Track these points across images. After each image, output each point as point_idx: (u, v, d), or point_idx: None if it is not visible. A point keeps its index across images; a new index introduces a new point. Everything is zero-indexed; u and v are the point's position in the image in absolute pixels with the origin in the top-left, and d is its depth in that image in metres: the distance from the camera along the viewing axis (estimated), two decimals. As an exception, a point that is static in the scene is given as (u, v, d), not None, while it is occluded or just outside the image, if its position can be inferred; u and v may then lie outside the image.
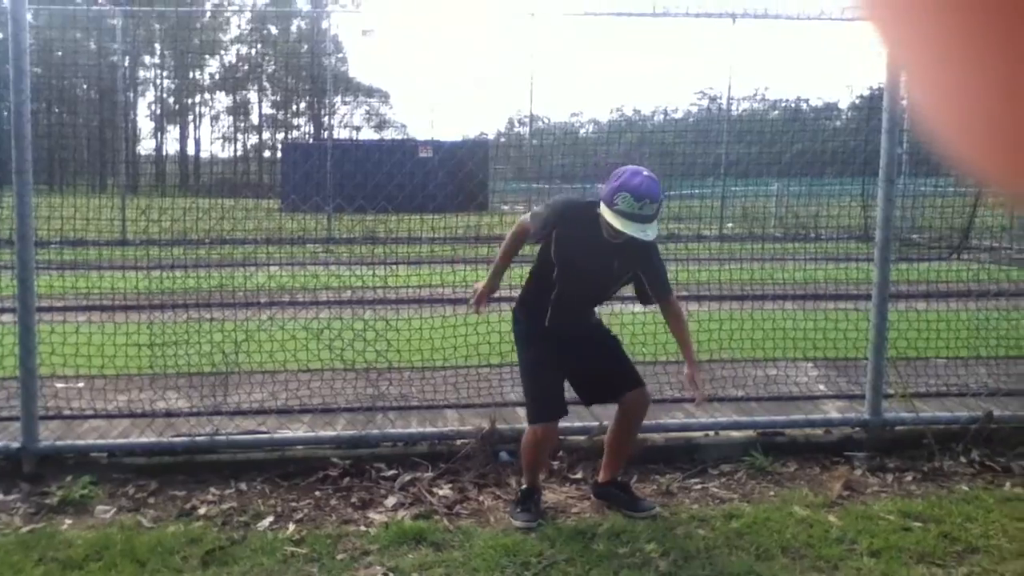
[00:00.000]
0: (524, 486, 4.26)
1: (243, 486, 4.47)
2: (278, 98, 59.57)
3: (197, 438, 4.75)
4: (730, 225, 14.81)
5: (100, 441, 4.82)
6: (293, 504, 4.27)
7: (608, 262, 3.95)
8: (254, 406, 5.46)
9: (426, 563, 3.64)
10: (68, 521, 4.08)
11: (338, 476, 4.56)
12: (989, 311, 6.83)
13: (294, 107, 59.73)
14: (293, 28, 55.59)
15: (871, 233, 5.38)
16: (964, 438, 4.93)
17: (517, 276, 6.61)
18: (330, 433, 4.96)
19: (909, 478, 4.66)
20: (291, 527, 4.00)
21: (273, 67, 57.49)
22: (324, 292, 8.44)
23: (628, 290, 4.29)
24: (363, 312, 6.92)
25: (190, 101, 58.97)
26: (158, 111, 56.68)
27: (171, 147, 56.67)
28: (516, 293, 5.73)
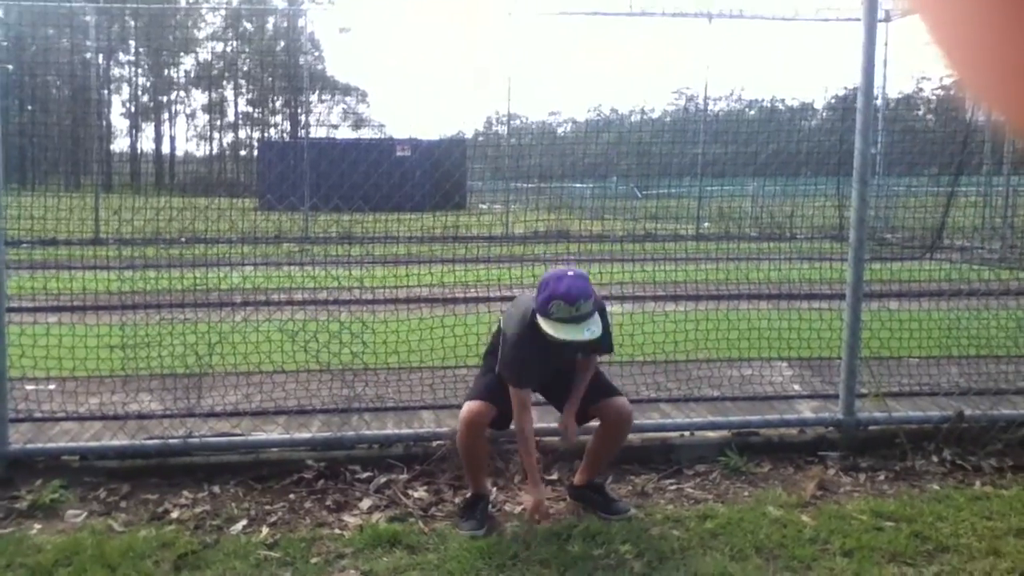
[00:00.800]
0: (468, 493, 4.17)
1: (216, 489, 4.43)
2: (254, 96, 59.16)
3: (170, 441, 4.71)
4: (706, 225, 14.89)
5: (72, 444, 4.77)
6: (267, 507, 4.24)
7: (571, 354, 4.03)
8: (228, 408, 5.42)
9: (401, 566, 3.63)
10: (38, 526, 4.03)
11: (313, 478, 4.53)
12: (961, 311, 6.91)
13: (271, 105, 59.36)
14: (269, 25, 55.31)
15: (845, 233, 5.41)
16: (936, 437, 4.98)
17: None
18: (305, 435, 4.93)
19: (882, 477, 4.70)
20: (265, 530, 3.98)
21: (249, 65, 57.09)
22: (299, 292, 8.40)
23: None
24: (339, 313, 6.89)
25: (165, 99, 58.48)
26: (132, 109, 56.18)
27: (146, 146, 56.17)
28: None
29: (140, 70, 56.63)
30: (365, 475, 4.59)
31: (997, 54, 0.40)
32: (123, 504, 4.28)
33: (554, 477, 4.66)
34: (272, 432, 5.01)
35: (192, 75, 57.70)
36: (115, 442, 4.76)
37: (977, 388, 5.71)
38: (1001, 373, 6.06)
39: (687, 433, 5.12)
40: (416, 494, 4.41)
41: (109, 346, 5.90)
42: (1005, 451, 4.91)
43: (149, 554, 3.69)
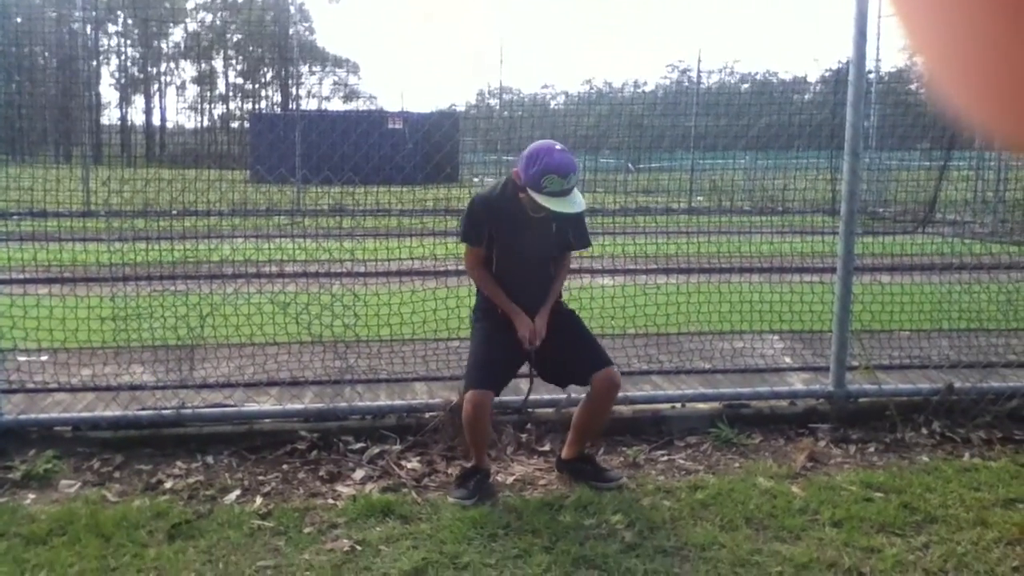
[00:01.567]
0: (470, 464, 4.19)
1: (210, 460, 4.44)
2: (244, 67, 58.68)
3: (163, 411, 4.72)
4: (699, 198, 14.88)
5: (64, 415, 4.77)
6: (260, 477, 4.26)
7: (546, 234, 4.05)
8: (221, 379, 5.42)
9: (393, 536, 3.65)
10: (32, 496, 4.04)
11: (306, 449, 4.55)
12: (951, 284, 6.93)
13: (261, 77, 58.89)
14: (259, -4, 54.67)
15: (838, 206, 5.42)
16: (925, 410, 5.01)
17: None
18: (298, 406, 4.94)
19: (871, 449, 4.73)
20: (258, 500, 3.99)
21: (239, 36, 56.54)
22: (291, 265, 8.38)
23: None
24: (331, 285, 6.88)
25: (155, 70, 57.95)
26: (122, 80, 55.65)
27: (137, 118, 55.71)
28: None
29: (129, 41, 56.05)
30: (358, 446, 4.61)
31: (972, 60, 0.41)
32: (116, 474, 4.29)
33: (546, 448, 4.68)
34: (265, 403, 5.02)
35: (181, 47, 57.18)
36: (108, 413, 4.75)
37: (967, 361, 5.74)
38: (991, 346, 6.10)
39: (678, 405, 5.14)
40: (409, 465, 4.43)
41: (100, 318, 5.89)
42: (994, 423, 4.95)
43: (143, 524, 3.70)
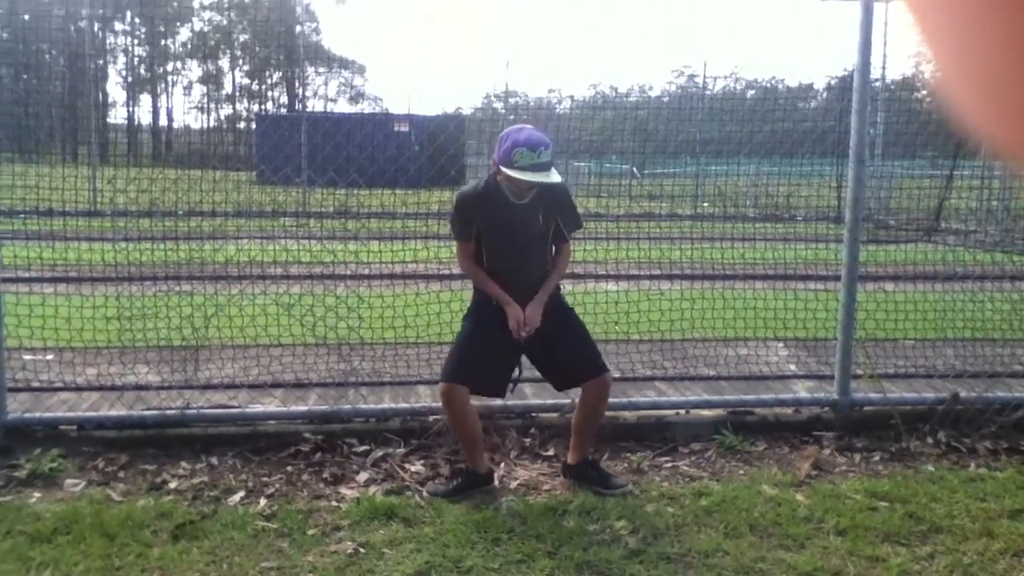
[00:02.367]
0: (467, 467, 4.18)
1: (214, 460, 4.45)
2: (251, 68, 58.77)
3: (168, 412, 4.72)
4: (704, 204, 14.87)
5: (70, 414, 4.77)
6: (264, 479, 4.26)
7: (533, 219, 4.05)
8: (225, 380, 5.42)
9: (397, 539, 3.65)
10: (37, 494, 4.04)
11: (310, 451, 4.55)
12: (956, 293, 6.93)
13: (268, 78, 58.97)
14: (265, -4, 54.75)
15: (843, 214, 5.42)
16: (931, 419, 5.00)
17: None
18: (302, 408, 4.94)
19: (876, 458, 4.73)
20: (262, 502, 3.99)
21: (245, 36, 56.63)
22: (296, 266, 8.39)
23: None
24: (335, 287, 6.89)
25: (161, 70, 58.04)
26: (129, 79, 55.73)
27: (144, 118, 55.77)
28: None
29: (136, 40, 56.13)
30: (362, 448, 4.61)
31: (982, 58, 0.41)
32: (121, 474, 4.29)
33: (550, 453, 4.68)
34: (269, 405, 5.02)
35: (188, 46, 57.30)
36: (113, 412, 4.76)
37: (972, 371, 5.73)
38: (996, 356, 6.09)
39: (682, 411, 5.14)
40: (413, 468, 4.43)
41: (106, 317, 5.90)
42: (999, 433, 4.94)
43: (147, 523, 3.70)
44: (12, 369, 5.02)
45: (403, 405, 5.01)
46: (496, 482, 4.26)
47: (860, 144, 5.02)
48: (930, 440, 4.90)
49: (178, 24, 51.99)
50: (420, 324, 6.08)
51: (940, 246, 10.57)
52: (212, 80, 58.73)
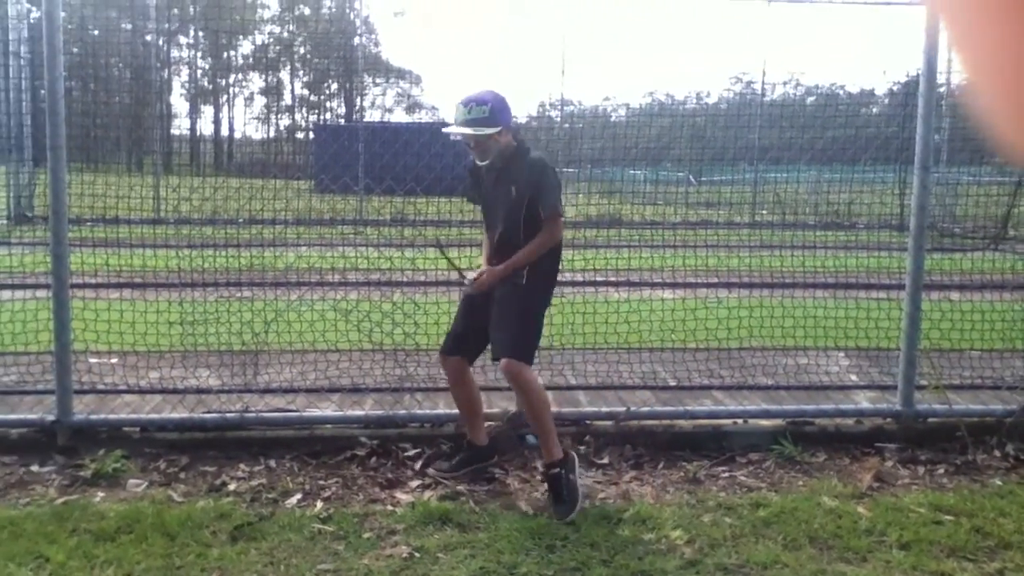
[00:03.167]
0: (468, 441, 4.48)
1: (272, 463, 4.51)
2: (310, 79, 59.70)
3: (227, 415, 4.80)
4: (763, 212, 14.67)
5: (133, 416, 4.88)
6: (321, 482, 4.30)
7: (505, 191, 4.18)
8: (283, 384, 5.50)
9: (451, 544, 3.66)
10: (101, 494, 4.14)
11: (366, 455, 4.59)
12: (1026, 303, 6.72)
13: (326, 89, 59.84)
14: (325, 9, 55.67)
15: (906, 222, 5.29)
16: (998, 431, 4.86)
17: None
18: (358, 412, 4.98)
19: (941, 471, 4.60)
20: (319, 505, 4.03)
21: (305, 48, 57.58)
22: (354, 272, 8.47)
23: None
24: (392, 293, 6.94)
25: (224, 82, 59.27)
26: (192, 91, 57.01)
27: (206, 128, 56.98)
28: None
29: (199, 53, 57.43)
30: (413, 452, 4.63)
31: (1009, 60, 0.40)
32: (182, 475, 4.38)
33: (604, 461, 4.65)
34: (326, 409, 5.07)
35: (250, 59, 58.43)
36: (174, 415, 4.86)
37: (1042, 382, 5.55)
38: (1067, 367, 5.89)
39: (740, 421, 5.06)
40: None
41: (168, 322, 6.03)
42: (1071, 447, 4.77)
43: (207, 524, 3.77)
44: (78, 372, 5.15)
45: (457, 411, 5.01)
46: (496, 458, 4.48)
47: (925, 150, 4.91)
48: (998, 453, 4.76)
49: (240, 37, 53.05)
50: (475, 331, 6.09)
51: (1008, 254, 10.27)
52: (272, 91, 59.79)
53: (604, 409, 4.88)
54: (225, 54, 56.92)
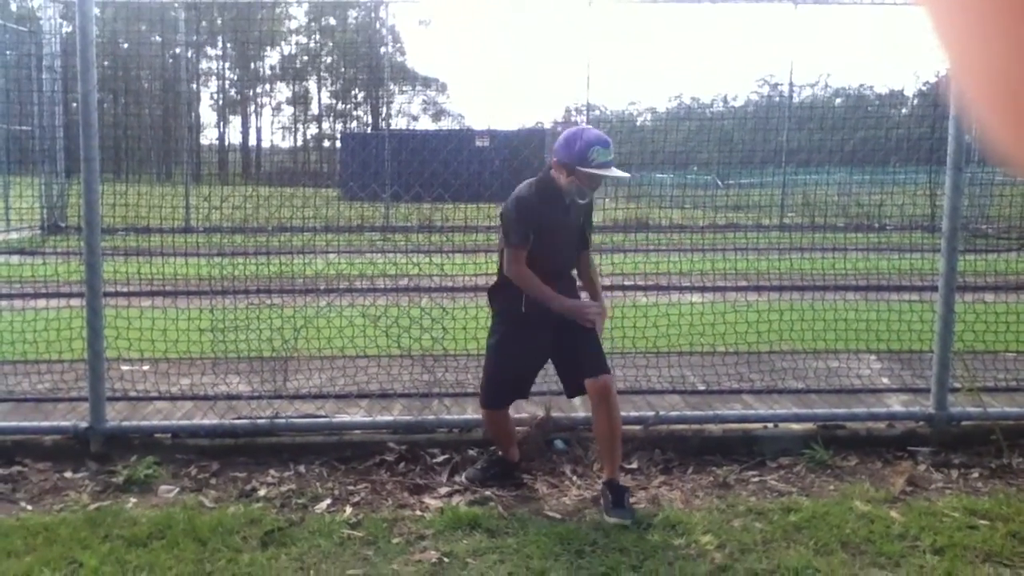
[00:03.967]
0: (499, 456, 4.46)
1: (302, 469, 4.54)
2: (337, 88, 60.11)
3: (258, 421, 4.84)
4: (791, 214, 14.56)
5: (164, 422, 4.94)
6: (350, 487, 4.32)
7: (575, 221, 4.19)
8: (313, 391, 5.53)
9: (480, 549, 3.66)
10: (133, 500, 4.19)
11: (394, 461, 4.60)
12: (1062, 304, 6.61)
13: (353, 97, 60.22)
14: (351, 19, 56.04)
15: (938, 223, 5.23)
16: (1034, 434, 4.78)
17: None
18: (387, 418, 5.00)
19: (975, 475, 4.53)
20: (348, 510, 4.05)
21: (331, 58, 58.01)
22: (382, 279, 8.52)
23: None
24: (420, 299, 6.97)
25: (251, 92, 59.82)
26: (220, 102, 57.60)
27: (234, 138, 57.53)
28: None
29: (227, 64, 58.01)
30: (444, 458, 4.64)
31: (994, 58, 0.40)
32: (213, 481, 4.42)
33: (633, 466, 4.63)
34: (355, 414, 5.09)
35: (277, 69, 58.93)
36: (205, 421, 4.90)
37: (1079, 384, 5.46)
38: (1105, 369, 5.78)
39: (770, 425, 5.02)
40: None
41: (199, 329, 6.09)
42: (1110, 450, 4.69)
43: (237, 530, 3.79)
44: (111, 379, 5.21)
45: (486, 416, 5.02)
46: (520, 466, 4.49)
47: (958, 150, 4.85)
48: (1034, 457, 4.68)
49: (268, 48, 53.54)
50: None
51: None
52: (300, 101, 60.26)
53: (633, 414, 4.85)
54: (253, 65, 57.42)
